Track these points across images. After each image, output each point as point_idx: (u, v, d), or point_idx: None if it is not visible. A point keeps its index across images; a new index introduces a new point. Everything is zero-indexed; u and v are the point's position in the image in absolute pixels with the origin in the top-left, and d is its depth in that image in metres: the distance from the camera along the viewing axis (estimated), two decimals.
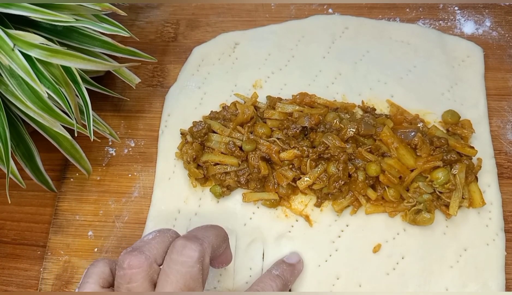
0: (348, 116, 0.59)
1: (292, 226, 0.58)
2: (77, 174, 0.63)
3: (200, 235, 0.44)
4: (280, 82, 0.65)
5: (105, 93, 0.61)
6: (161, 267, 0.42)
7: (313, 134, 0.57)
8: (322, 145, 0.55)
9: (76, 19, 0.52)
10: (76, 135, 0.54)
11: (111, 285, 0.44)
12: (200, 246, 0.42)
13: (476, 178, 0.57)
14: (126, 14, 0.56)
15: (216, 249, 0.46)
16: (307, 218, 0.58)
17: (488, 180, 0.58)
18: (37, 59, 0.50)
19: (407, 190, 0.56)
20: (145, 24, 0.72)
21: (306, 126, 0.57)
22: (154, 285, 0.41)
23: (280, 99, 0.62)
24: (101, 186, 0.63)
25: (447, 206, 0.55)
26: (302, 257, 0.56)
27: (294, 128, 0.57)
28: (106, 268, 0.43)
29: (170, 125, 0.64)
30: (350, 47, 0.67)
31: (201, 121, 0.60)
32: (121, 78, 0.61)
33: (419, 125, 0.59)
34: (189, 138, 0.60)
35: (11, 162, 0.52)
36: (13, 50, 0.48)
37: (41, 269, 0.59)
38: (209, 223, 0.49)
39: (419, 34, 0.67)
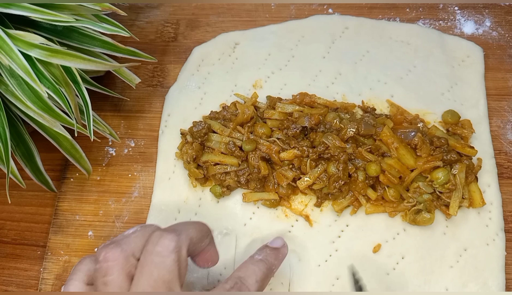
0: (348, 116, 0.59)
1: (292, 226, 0.58)
2: (77, 174, 0.63)
3: (178, 228, 0.44)
4: (280, 82, 0.65)
5: (105, 93, 0.61)
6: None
7: (313, 134, 0.57)
8: (322, 145, 0.55)
9: (76, 19, 0.52)
10: (76, 135, 0.54)
11: None
12: (176, 237, 0.41)
13: (476, 178, 0.57)
14: (126, 14, 0.56)
15: (196, 243, 0.44)
16: (307, 218, 0.58)
17: (488, 180, 0.58)
18: (37, 59, 0.50)
19: (407, 190, 0.56)
20: (145, 24, 0.72)
21: (306, 126, 0.57)
22: (131, 279, 0.40)
23: (280, 99, 0.62)
24: (101, 186, 0.63)
25: (447, 206, 0.55)
26: (302, 257, 0.56)
27: (294, 128, 0.57)
28: (91, 265, 0.43)
29: (170, 125, 0.64)
30: (350, 47, 0.67)
31: (201, 121, 0.60)
32: (121, 78, 0.61)
33: (419, 125, 0.59)
34: (189, 138, 0.60)
35: (11, 162, 0.52)
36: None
37: (41, 269, 0.59)
38: (206, 223, 0.48)
39: (419, 34, 0.67)
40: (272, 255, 0.49)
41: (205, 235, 0.46)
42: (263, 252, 0.50)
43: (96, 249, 0.59)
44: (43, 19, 0.51)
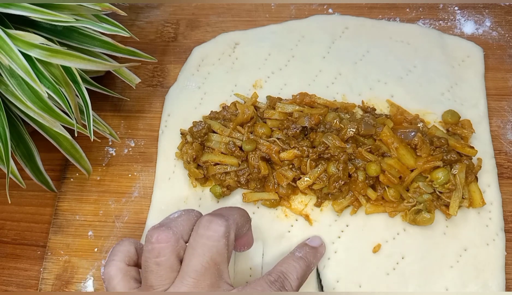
0: (348, 116, 0.59)
1: (292, 226, 0.58)
2: (77, 174, 0.63)
3: (224, 213, 0.46)
4: (280, 82, 0.65)
5: (105, 93, 0.61)
6: (187, 244, 0.43)
7: (313, 134, 0.57)
8: (322, 145, 0.55)
9: (76, 19, 0.52)
10: (76, 135, 0.54)
11: (135, 264, 0.45)
12: (226, 222, 0.43)
13: (476, 178, 0.57)
14: (126, 14, 0.56)
15: (240, 227, 0.47)
16: (307, 217, 0.57)
17: (488, 180, 0.58)
18: (37, 59, 0.50)
19: (407, 190, 0.56)
20: (145, 24, 0.72)
21: (306, 126, 0.57)
22: (181, 261, 0.42)
23: (280, 99, 0.62)
24: (101, 186, 0.63)
25: (447, 206, 0.55)
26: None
27: (294, 128, 0.57)
28: (131, 247, 0.45)
29: (170, 125, 0.64)
30: (350, 47, 0.67)
31: (201, 121, 0.60)
32: (121, 78, 0.61)
33: (419, 125, 0.59)
34: (189, 138, 0.60)
35: (11, 162, 0.52)
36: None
37: (41, 269, 0.59)
38: (245, 209, 0.50)
39: (419, 34, 0.67)
40: (311, 254, 0.52)
41: (247, 221, 0.49)
42: (303, 249, 0.52)
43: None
44: (43, 19, 0.50)
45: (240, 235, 0.48)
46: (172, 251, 0.42)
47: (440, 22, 0.69)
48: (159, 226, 0.43)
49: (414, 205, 0.55)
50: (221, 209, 0.48)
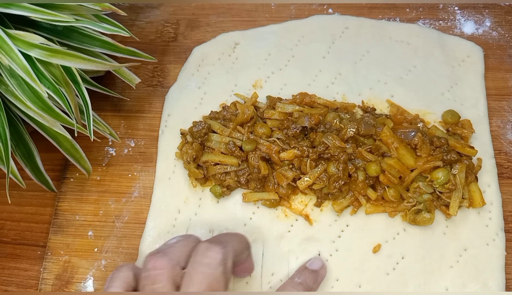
0: (348, 116, 0.59)
1: (292, 226, 0.58)
2: (77, 174, 0.63)
3: (223, 239, 0.46)
4: (280, 82, 0.65)
5: (105, 93, 0.61)
6: (184, 271, 0.43)
7: (313, 134, 0.57)
8: (322, 145, 0.55)
9: (76, 19, 0.52)
10: (76, 135, 0.54)
11: (134, 290, 0.45)
12: (223, 249, 0.43)
13: (476, 178, 0.57)
14: (126, 14, 0.56)
15: (238, 254, 0.46)
16: (307, 217, 0.57)
17: (488, 180, 0.58)
18: (37, 59, 0.50)
19: (407, 190, 0.56)
20: (145, 24, 0.72)
21: (306, 126, 0.57)
22: (177, 288, 0.42)
23: (280, 99, 0.62)
24: (101, 186, 0.63)
25: (447, 206, 0.55)
26: (301, 257, 0.56)
27: (294, 128, 0.57)
28: (130, 273, 0.45)
29: (170, 125, 0.64)
30: (350, 47, 0.67)
31: (201, 121, 0.60)
32: (121, 78, 0.61)
33: (419, 125, 0.59)
34: (189, 138, 0.60)
35: (11, 162, 0.52)
36: None
37: (41, 269, 0.59)
38: (245, 235, 0.49)
39: (419, 34, 0.67)
40: (311, 278, 0.51)
41: (246, 247, 0.48)
42: (302, 274, 0.52)
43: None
44: (43, 19, 0.51)
45: (240, 262, 0.48)
46: (168, 278, 0.42)
47: (440, 22, 0.69)
48: (156, 253, 0.43)
49: (414, 205, 0.55)
50: (220, 236, 0.48)
